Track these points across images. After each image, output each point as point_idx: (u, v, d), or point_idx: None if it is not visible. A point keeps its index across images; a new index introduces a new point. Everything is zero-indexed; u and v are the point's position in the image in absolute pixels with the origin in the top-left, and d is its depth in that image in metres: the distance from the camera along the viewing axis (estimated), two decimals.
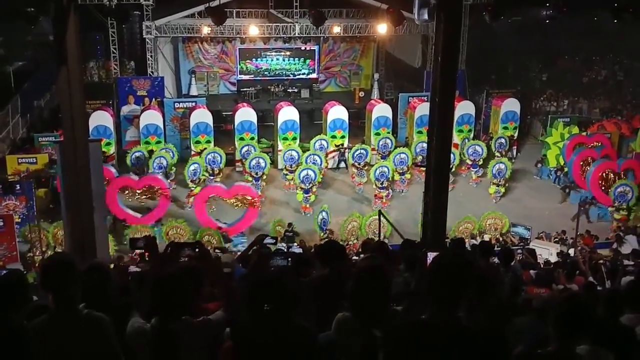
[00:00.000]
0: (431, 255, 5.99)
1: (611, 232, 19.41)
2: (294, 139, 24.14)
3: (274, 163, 23.83)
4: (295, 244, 17.45)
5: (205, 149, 23.25)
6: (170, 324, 3.74)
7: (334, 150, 24.51)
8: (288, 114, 24.18)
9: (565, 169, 23.88)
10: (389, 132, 25.04)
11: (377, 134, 24.92)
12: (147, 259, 10.90)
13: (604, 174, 21.62)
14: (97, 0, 22.99)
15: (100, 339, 3.77)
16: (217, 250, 15.37)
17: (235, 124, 24.11)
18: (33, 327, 3.80)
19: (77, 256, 5.00)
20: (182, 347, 3.74)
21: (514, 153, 26.21)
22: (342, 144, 24.61)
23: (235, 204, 19.36)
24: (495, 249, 10.77)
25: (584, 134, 24.79)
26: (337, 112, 24.71)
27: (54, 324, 3.76)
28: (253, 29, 25.51)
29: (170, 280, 3.81)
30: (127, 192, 19.14)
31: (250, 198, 19.21)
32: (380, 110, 25.31)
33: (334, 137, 24.63)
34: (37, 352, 3.73)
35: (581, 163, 22.48)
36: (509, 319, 5.31)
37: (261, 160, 22.23)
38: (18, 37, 28.08)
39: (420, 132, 24.37)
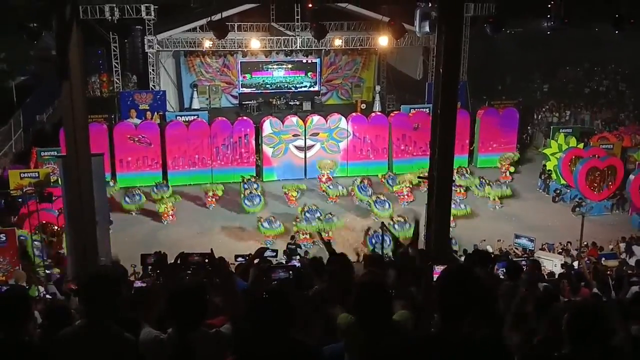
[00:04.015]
0: (437, 269, 5.95)
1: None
2: None
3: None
4: (298, 256, 17.32)
5: None
6: (188, 335, 3.78)
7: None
8: None
9: (554, 176, 24.49)
10: None
11: None
12: (150, 273, 10.86)
13: None
14: (99, 16, 23.10)
15: (124, 357, 3.84)
16: None
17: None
18: (61, 336, 3.88)
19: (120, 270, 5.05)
20: (198, 357, 3.78)
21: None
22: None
23: None
24: (501, 261, 10.74)
25: (580, 146, 24.78)
26: None
27: (82, 336, 3.82)
28: (255, 43, 25.61)
29: (189, 292, 3.86)
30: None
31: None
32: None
33: None
34: None
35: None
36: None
37: None
38: (20, 52, 28.20)
39: None
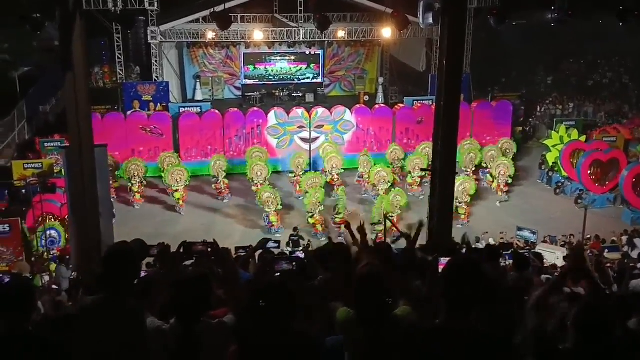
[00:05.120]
0: (442, 261, 5.95)
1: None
2: None
3: None
4: (301, 248, 17.37)
5: None
6: (192, 326, 3.79)
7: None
8: None
9: (556, 169, 24.40)
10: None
11: None
12: (154, 263, 10.88)
13: None
14: (102, 6, 23.05)
15: (138, 332, 3.87)
16: None
17: None
18: (81, 306, 4.01)
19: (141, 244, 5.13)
20: (202, 348, 3.79)
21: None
22: None
23: None
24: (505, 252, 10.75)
25: (582, 139, 24.71)
26: None
27: (100, 309, 3.87)
28: (258, 34, 25.54)
29: (193, 282, 3.87)
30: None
31: None
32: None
33: None
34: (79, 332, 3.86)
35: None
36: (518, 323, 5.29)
37: None
38: (24, 42, 28.18)
39: None
